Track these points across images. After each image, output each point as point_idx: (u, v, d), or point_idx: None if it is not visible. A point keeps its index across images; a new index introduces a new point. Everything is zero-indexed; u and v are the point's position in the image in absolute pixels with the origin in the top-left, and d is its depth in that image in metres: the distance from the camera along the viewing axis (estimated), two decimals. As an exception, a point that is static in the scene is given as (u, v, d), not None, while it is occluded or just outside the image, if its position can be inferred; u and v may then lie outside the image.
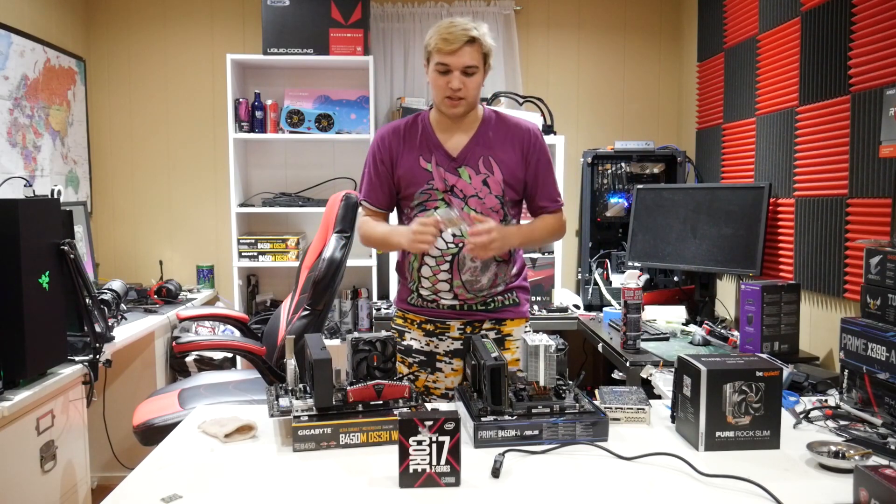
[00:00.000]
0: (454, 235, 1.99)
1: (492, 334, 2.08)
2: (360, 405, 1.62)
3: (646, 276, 3.35)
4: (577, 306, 3.50)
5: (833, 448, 1.50)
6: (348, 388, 1.63)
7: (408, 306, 2.15)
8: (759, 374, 1.54)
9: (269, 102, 3.74)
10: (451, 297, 2.06)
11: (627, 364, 2.50)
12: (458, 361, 2.10)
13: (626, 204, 3.64)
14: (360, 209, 2.20)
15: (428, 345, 2.12)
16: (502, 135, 2.04)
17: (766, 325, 2.48)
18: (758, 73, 3.02)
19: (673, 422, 1.69)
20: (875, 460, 1.48)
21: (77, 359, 2.22)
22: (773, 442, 1.56)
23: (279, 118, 3.73)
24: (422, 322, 2.13)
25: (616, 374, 2.75)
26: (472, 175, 2.01)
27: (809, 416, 1.75)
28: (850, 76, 2.39)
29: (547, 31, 4.01)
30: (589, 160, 3.66)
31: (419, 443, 1.36)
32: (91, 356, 2.24)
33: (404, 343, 2.15)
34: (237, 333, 3.18)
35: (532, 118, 3.27)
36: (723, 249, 3.00)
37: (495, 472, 1.42)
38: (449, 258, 2.03)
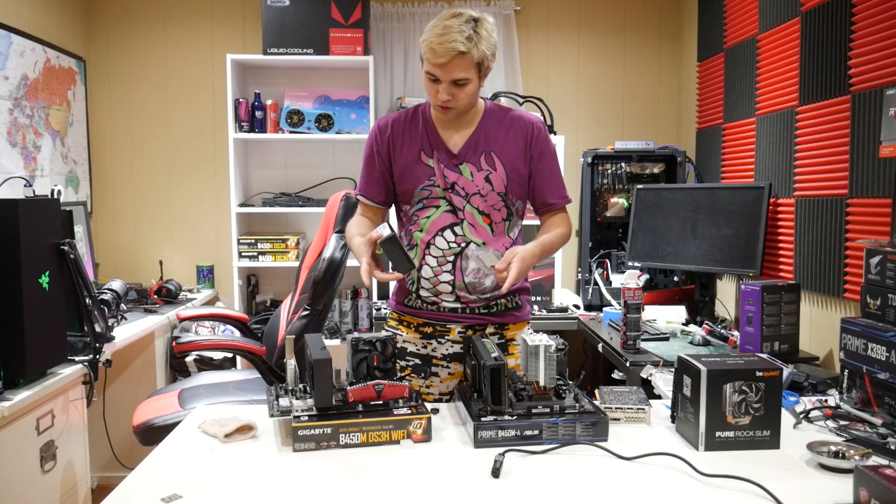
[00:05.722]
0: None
1: (495, 339, 2.01)
2: (360, 405, 1.62)
3: (646, 276, 3.35)
4: (577, 306, 3.50)
5: (833, 448, 1.49)
6: (348, 388, 1.63)
7: (405, 308, 2.04)
8: (759, 374, 1.54)
9: (269, 102, 3.74)
10: (453, 300, 1.97)
11: (627, 364, 2.50)
12: (455, 365, 2.02)
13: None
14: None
15: (425, 347, 2.02)
16: (504, 129, 1.96)
17: (766, 325, 2.47)
18: (758, 73, 3.02)
19: (673, 422, 1.69)
20: (875, 460, 1.48)
21: (77, 359, 2.22)
22: (773, 442, 1.56)
23: (279, 118, 3.74)
24: (419, 325, 2.03)
25: (616, 374, 2.75)
26: (473, 172, 1.93)
27: (809, 416, 1.74)
28: (850, 76, 2.39)
29: (547, 31, 4.01)
30: (589, 160, 3.66)
31: None
32: (91, 356, 2.24)
33: (397, 346, 2.04)
34: (237, 333, 3.18)
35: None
36: (723, 249, 3.00)
37: (495, 472, 1.42)
38: (451, 258, 1.94)
